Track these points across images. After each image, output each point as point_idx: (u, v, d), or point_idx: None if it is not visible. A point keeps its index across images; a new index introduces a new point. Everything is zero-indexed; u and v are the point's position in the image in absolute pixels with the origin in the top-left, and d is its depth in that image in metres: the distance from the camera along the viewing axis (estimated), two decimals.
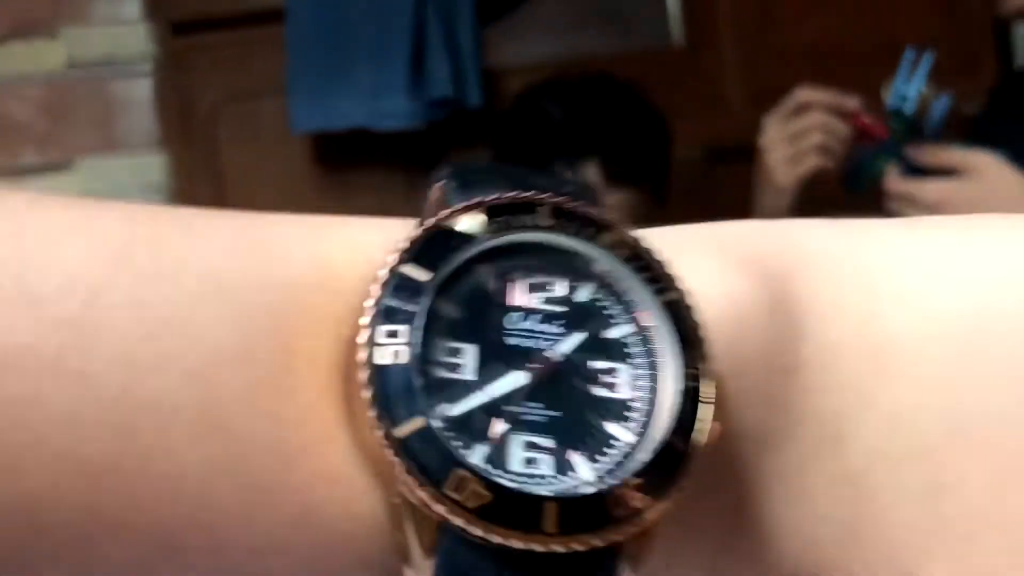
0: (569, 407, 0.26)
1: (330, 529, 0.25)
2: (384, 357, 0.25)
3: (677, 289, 0.27)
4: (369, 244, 0.27)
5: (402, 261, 0.26)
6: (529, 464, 0.25)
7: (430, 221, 0.27)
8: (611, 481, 0.25)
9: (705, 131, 2.16)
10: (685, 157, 2.08)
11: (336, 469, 0.25)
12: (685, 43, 2.25)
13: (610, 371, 0.27)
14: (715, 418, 0.26)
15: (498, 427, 0.26)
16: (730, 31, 2.24)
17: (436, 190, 0.28)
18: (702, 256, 0.29)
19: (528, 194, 0.27)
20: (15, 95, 2.15)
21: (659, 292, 0.27)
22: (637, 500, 0.25)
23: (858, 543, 0.28)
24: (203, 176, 2.18)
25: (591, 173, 1.57)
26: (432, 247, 0.26)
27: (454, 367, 0.26)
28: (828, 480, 0.28)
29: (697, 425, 0.26)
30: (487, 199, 0.27)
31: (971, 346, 0.28)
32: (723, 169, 2.16)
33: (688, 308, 0.27)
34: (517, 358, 0.26)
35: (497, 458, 0.25)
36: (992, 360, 0.28)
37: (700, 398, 0.26)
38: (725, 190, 2.13)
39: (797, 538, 0.28)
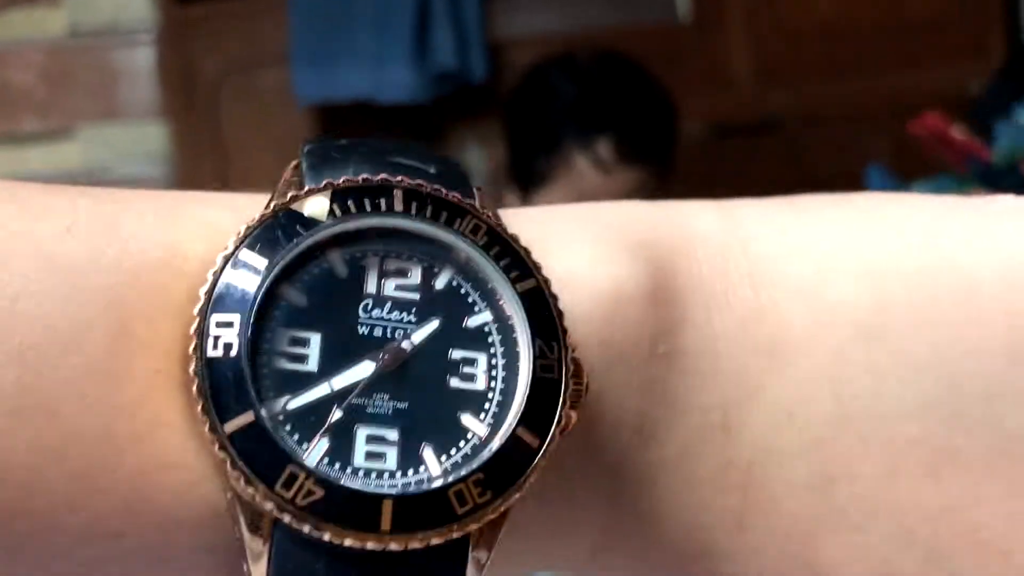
0: (421, 399, 0.25)
1: (165, 516, 0.25)
2: (215, 349, 0.24)
3: (537, 277, 0.26)
4: (219, 224, 0.26)
5: (241, 246, 0.25)
6: (372, 458, 0.25)
7: (275, 204, 0.26)
8: (455, 476, 0.25)
9: (711, 108, 2.15)
10: (691, 133, 2.07)
11: (171, 456, 0.24)
12: (692, 19, 2.23)
13: (468, 362, 0.26)
14: (575, 407, 0.26)
15: (340, 420, 0.25)
16: (737, 8, 2.23)
17: (289, 170, 0.27)
18: (579, 240, 0.28)
19: (379, 177, 0.26)
20: (17, 62, 2.14)
21: (516, 280, 0.26)
22: (480, 495, 0.24)
23: (745, 530, 0.28)
24: (205, 145, 2.18)
25: (604, 150, 1.57)
26: (273, 231, 0.25)
27: (297, 358, 0.25)
28: (714, 469, 0.28)
29: (550, 415, 0.25)
30: (336, 182, 0.26)
31: (864, 339, 0.28)
32: (729, 145, 2.15)
33: (548, 297, 0.26)
34: (367, 348, 0.25)
35: (339, 453, 0.24)
36: (886, 352, 0.28)
37: (556, 390, 0.26)
38: (731, 166, 2.13)
39: (681, 527, 0.28)
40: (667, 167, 1.65)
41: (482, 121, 2.14)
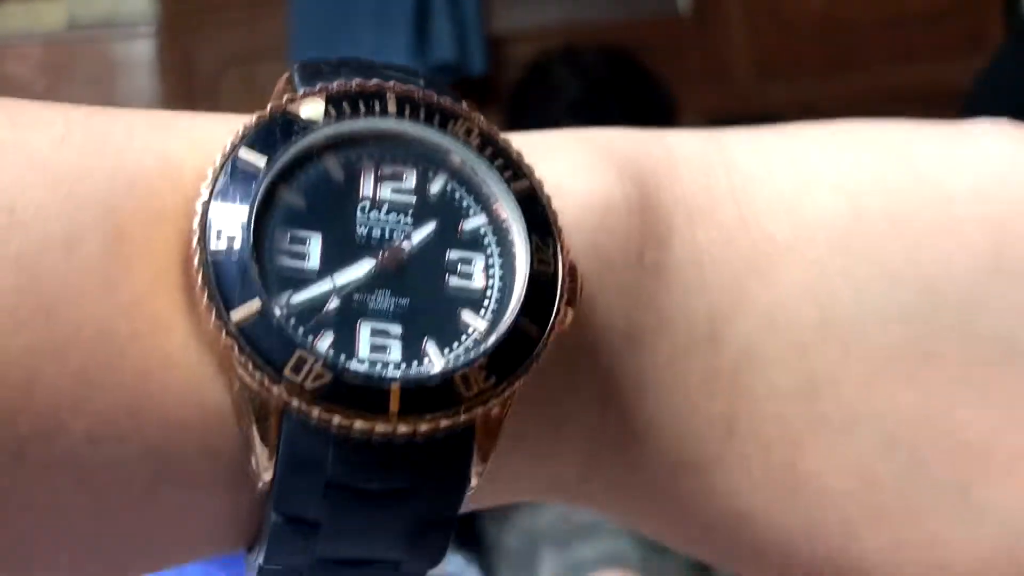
0: (421, 298, 0.26)
1: (168, 416, 0.24)
2: (218, 241, 0.24)
3: (531, 178, 0.27)
4: (211, 136, 0.26)
5: (239, 145, 0.25)
6: (377, 350, 0.25)
7: (269, 107, 0.26)
8: (458, 363, 0.25)
9: (711, 101, 2.15)
10: (689, 126, 2.06)
11: (173, 356, 0.24)
12: (692, 12, 2.23)
13: (466, 261, 0.26)
14: (570, 304, 0.26)
15: (344, 314, 0.25)
16: (736, 2, 2.23)
17: (282, 81, 0.27)
18: (569, 152, 0.29)
19: (374, 82, 0.27)
20: (15, 55, 2.14)
21: (511, 180, 0.26)
22: (484, 381, 0.25)
23: (733, 436, 0.28)
24: None
25: None
26: (270, 132, 0.25)
27: (298, 255, 0.25)
28: (701, 376, 0.28)
29: (548, 309, 0.26)
30: (331, 86, 0.26)
31: (844, 249, 0.28)
32: None
33: (542, 197, 0.26)
34: (366, 248, 0.26)
35: (344, 345, 0.25)
36: (865, 262, 0.28)
37: (553, 284, 0.26)
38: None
39: (670, 430, 0.28)
40: None
41: (481, 114, 2.14)
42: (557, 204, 0.27)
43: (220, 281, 0.24)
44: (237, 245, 0.24)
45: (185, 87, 2.19)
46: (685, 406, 0.28)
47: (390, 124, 0.26)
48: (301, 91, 0.26)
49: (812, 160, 0.30)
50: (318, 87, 0.26)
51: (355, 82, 0.26)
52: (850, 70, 2.17)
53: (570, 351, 0.27)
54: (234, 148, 0.25)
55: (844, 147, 0.30)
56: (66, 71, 2.15)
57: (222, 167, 0.25)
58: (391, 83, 0.27)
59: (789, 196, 0.29)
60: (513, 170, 0.27)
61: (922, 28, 2.16)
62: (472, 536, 1.35)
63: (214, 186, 0.25)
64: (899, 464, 0.28)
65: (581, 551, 1.21)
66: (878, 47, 2.16)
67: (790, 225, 0.29)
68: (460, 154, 0.27)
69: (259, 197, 0.25)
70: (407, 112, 0.26)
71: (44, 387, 0.24)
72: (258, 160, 0.25)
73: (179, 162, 0.26)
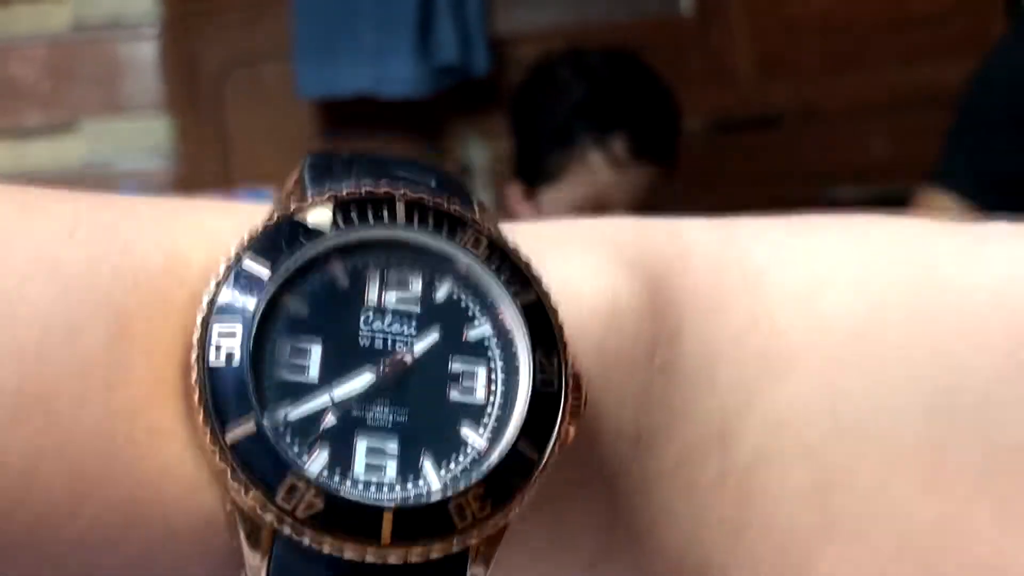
0: (420, 410, 0.25)
1: (162, 525, 0.24)
2: (217, 359, 0.24)
3: (536, 291, 0.26)
4: (219, 231, 0.26)
5: (243, 254, 0.25)
6: (372, 470, 0.25)
7: (278, 213, 0.26)
8: (455, 489, 0.24)
9: (713, 102, 2.15)
10: (692, 128, 2.07)
11: (170, 464, 0.24)
12: (694, 13, 2.23)
13: (468, 374, 0.26)
14: (574, 419, 0.26)
15: (340, 430, 0.25)
16: (739, 2, 2.23)
17: (292, 181, 0.27)
18: (577, 251, 0.28)
19: (383, 188, 0.26)
20: (20, 56, 2.14)
21: (517, 295, 0.26)
22: (480, 509, 0.24)
23: (743, 541, 0.28)
24: (208, 139, 2.18)
25: (619, 148, 1.57)
26: (276, 240, 0.25)
27: (298, 368, 0.25)
28: (711, 479, 0.28)
29: (549, 428, 0.25)
30: (340, 192, 0.26)
31: (859, 346, 0.28)
32: (730, 140, 2.15)
33: (549, 310, 0.26)
34: (367, 359, 0.25)
35: (339, 463, 0.24)
36: (880, 361, 0.28)
37: (555, 404, 0.26)
38: (732, 161, 2.13)
39: (679, 537, 0.28)
40: (674, 164, 1.66)
41: (484, 115, 2.14)
42: (564, 310, 0.26)
43: (216, 397, 0.24)
44: (236, 362, 0.24)
45: (189, 88, 2.19)
46: (691, 510, 0.28)
47: (398, 233, 0.26)
48: (310, 196, 0.26)
49: (827, 255, 0.29)
50: (327, 194, 0.26)
51: (364, 189, 0.26)
52: (852, 70, 2.17)
53: (576, 457, 0.27)
54: (239, 257, 0.25)
55: (859, 243, 0.30)
56: (71, 72, 2.15)
57: (226, 276, 0.25)
58: (401, 190, 0.26)
59: (804, 292, 0.29)
60: (519, 283, 0.26)
61: (925, 29, 2.16)
62: None
63: (215, 297, 0.25)
64: (913, 572, 0.27)
65: None
66: (880, 47, 2.16)
67: (804, 322, 0.28)
68: (466, 264, 0.27)
69: (261, 310, 0.25)
70: (416, 221, 0.26)
71: (40, 488, 0.23)
72: (262, 272, 0.25)
73: (186, 259, 0.26)
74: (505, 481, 0.25)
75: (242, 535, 0.24)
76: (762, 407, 0.28)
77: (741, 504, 0.28)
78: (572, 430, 0.26)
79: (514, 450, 0.25)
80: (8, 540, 0.23)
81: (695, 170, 1.82)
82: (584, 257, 0.28)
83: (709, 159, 2.07)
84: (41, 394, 0.23)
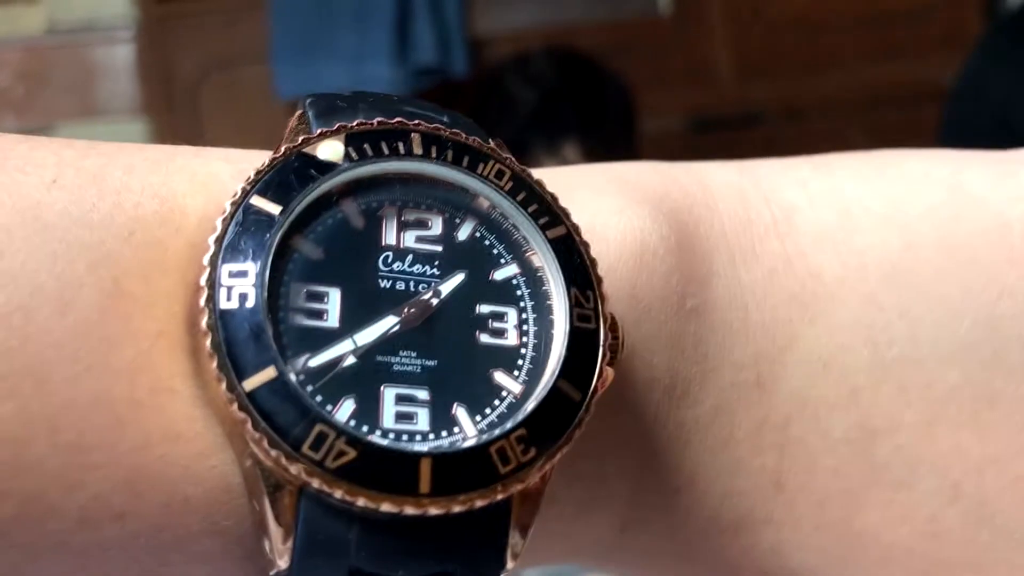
0: (450, 356, 0.24)
1: (171, 493, 0.22)
2: (229, 300, 0.22)
3: (567, 223, 0.25)
4: (216, 175, 0.24)
5: (251, 192, 0.23)
6: (403, 419, 0.23)
7: (284, 148, 0.24)
8: (494, 434, 0.23)
9: (692, 101, 2.15)
10: (671, 127, 2.06)
11: (177, 425, 0.22)
12: (672, 13, 2.23)
13: (497, 316, 0.24)
14: (612, 363, 0.24)
15: (366, 379, 0.23)
16: (717, 2, 2.22)
17: (295, 118, 0.25)
18: (601, 192, 0.27)
19: (395, 120, 0.25)
20: None
21: (546, 227, 0.25)
22: (524, 453, 0.23)
23: (782, 492, 0.27)
24: (185, 143, 2.16)
25: (571, 153, 1.56)
26: (285, 176, 0.23)
27: (315, 313, 0.23)
28: (748, 429, 0.26)
29: (589, 369, 0.24)
30: (350, 124, 0.24)
31: (898, 283, 0.27)
32: (710, 139, 2.15)
33: (580, 244, 0.25)
34: (389, 302, 0.24)
35: (366, 413, 0.23)
36: (921, 297, 0.27)
37: (594, 342, 0.24)
38: (712, 160, 2.12)
39: (715, 489, 0.27)
40: (632, 158, 1.65)
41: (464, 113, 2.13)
42: (593, 250, 0.25)
43: (231, 344, 0.22)
44: (250, 303, 0.22)
45: (165, 92, 2.17)
46: (730, 462, 0.27)
47: (415, 166, 0.25)
48: (317, 130, 0.24)
49: (856, 191, 0.28)
50: (336, 125, 0.24)
51: (376, 120, 0.25)
52: (832, 68, 2.17)
53: (609, 407, 0.25)
54: (245, 194, 0.23)
55: (890, 176, 0.28)
56: (45, 77, 2.14)
57: (232, 216, 0.23)
58: (415, 121, 0.25)
59: (835, 228, 0.27)
60: (548, 215, 0.25)
61: (903, 25, 2.16)
62: None
63: (223, 238, 0.23)
64: (965, 515, 0.26)
65: None
66: (859, 45, 2.16)
67: (837, 259, 0.27)
68: (490, 198, 0.25)
69: (274, 249, 0.23)
70: (434, 152, 0.25)
71: (32, 464, 0.21)
72: (272, 208, 0.23)
73: (182, 206, 0.24)
74: (547, 423, 0.23)
75: (266, 498, 0.22)
76: (800, 351, 0.27)
77: (781, 455, 0.26)
78: (611, 372, 0.24)
79: (554, 390, 0.23)
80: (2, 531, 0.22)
81: None
82: (609, 199, 0.27)
83: (689, 158, 2.06)
84: (31, 360, 0.21)
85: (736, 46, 2.21)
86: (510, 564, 0.23)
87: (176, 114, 2.17)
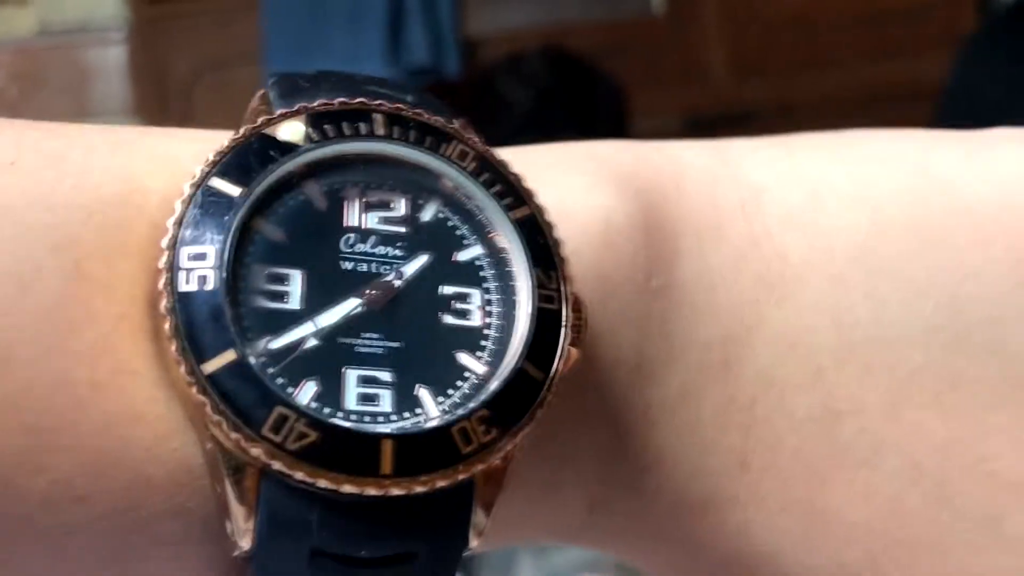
0: (414, 337, 0.23)
1: (134, 475, 0.22)
2: (189, 283, 0.22)
3: (531, 204, 0.25)
4: (178, 156, 0.24)
5: (211, 174, 0.23)
6: (366, 401, 0.23)
7: (245, 129, 0.24)
8: (456, 415, 0.23)
9: (687, 100, 2.15)
10: (666, 126, 2.06)
11: (139, 407, 0.22)
12: (666, 12, 2.23)
13: (462, 297, 0.24)
14: (576, 343, 0.24)
15: (328, 361, 0.23)
16: (711, 0, 2.23)
17: (257, 98, 0.25)
18: (570, 171, 0.27)
19: (357, 100, 0.24)
20: None
21: (510, 208, 0.24)
22: (485, 433, 0.22)
23: (748, 472, 0.27)
24: None
25: None
26: (245, 158, 0.23)
27: (277, 295, 0.23)
28: (715, 408, 0.26)
29: (552, 349, 0.24)
30: (311, 105, 0.24)
31: (864, 264, 0.27)
32: (703, 138, 2.15)
33: (544, 225, 0.25)
34: (352, 284, 0.23)
35: (329, 395, 0.22)
36: (887, 277, 0.27)
37: (557, 322, 0.24)
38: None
39: (682, 469, 0.27)
40: None
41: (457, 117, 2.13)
42: (559, 230, 0.25)
43: (191, 327, 0.22)
44: (209, 286, 0.22)
45: (158, 93, 2.17)
46: (697, 441, 0.27)
47: (377, 146, 0.24)
48: (279, 111, 0.24)
49: (824, 171, 0.28)
50: (297, 106, 0.24)
51: (338, 100, 0.24)
52: (827, 67, 2.17)
53: (575, 388, 0.25)
54: (205, 176, 0.23)
55: (857, 157, 0.28)
56: (37, 78, 2.13)
57: (191, 198, 0.23)
58: (378, 101, 0.25)
59: (802, 209, 0.27)
60: (512, 196, 0.25)
61: (898, 24, 2.16)
62: None
63: (183, 219, 0.22)
64: (927, 495, 0.26)
65: (558, 557, 1.20)
66: (854, 44, 2.16)
67: (805, 240, 0.27)
68: (453, 179, 0.25)
69: (233, 232, 0.23)
70: (396, 133, 0.24)
71: None
72: (232, 190, 0.23)
73: (144, 187, 0.23)
74: (511, 403, 0.23)
75: (228, 480, 0.22)
76: (766, 331, 0.27)
77: (747, 433, 0.27)
78: (575, 352, 0.24)
79: (518, 371, 0.23)
80: None
81: None
82: (576, 177, 0.27)
83: None
84: None
85: (730, 45, 2.21)
86: (474, 542, 0.23)
87: (169, 115, 2.17)
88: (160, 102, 2.17)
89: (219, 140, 0.24)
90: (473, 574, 1.31)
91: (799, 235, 0.27)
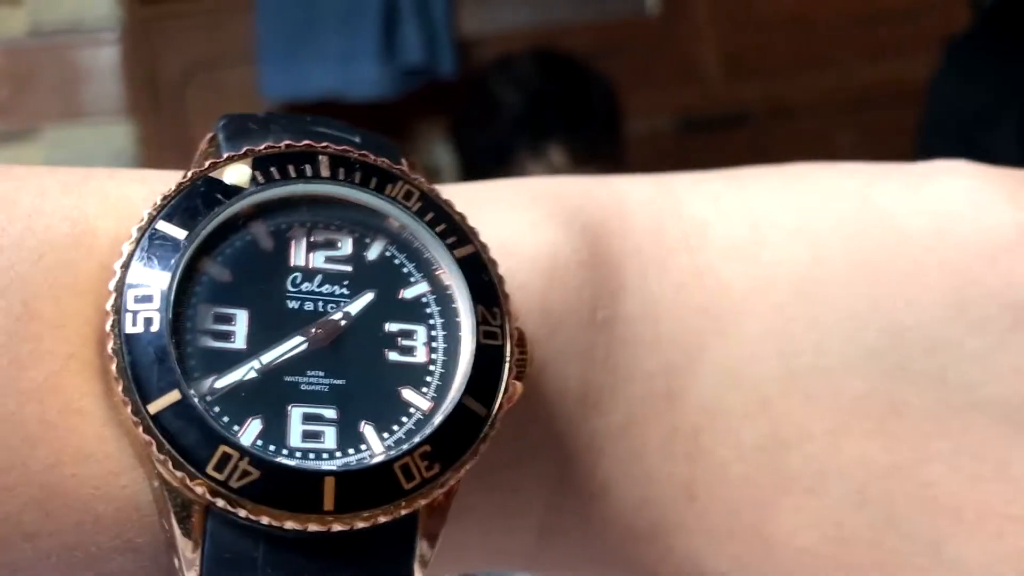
0: (359, 374, 0.24)
1: (83, 512, 0.23)
2: (135, 325, 0.22)
3: (475, 242, 0.25)
4: (129, 197, 0.24)
5: (157, 217, 0.23)
6: (310, 438, 0.23)
7: (191, 172, 0.24)
8: (399, 451, 0.23)
9: (680, 101, 2.15)
10: (659, 127, 2.06)
11: (88, 445, 0.23)
12: (660, 12, 2.23)
13: (407, 334, 0.25)
14: (520, 377, 0.25)
15: (273, 399, 0.23)
16: (705, 1, 2.22)
17: (205, 141, 0.26)
18: (513, 208, 0.27)
19: (303, 143, 0.25)
20: None
21: (454, 247, 0.25)
22: (428, 468, 0.23)
23: (695, 501, 0.27)
24: (170, 145, 2.16)
25: (557, 156, 1.57)
26: (192, 201, 0.24)
27: (223, 335, 0.23)
28: (659, 439, 0.27)
29: (495, 385, 0.24)
30: (257, 148, 0.25)
31: (805, 295, 0.27)
32: (698, 139, 2.15)
33: (487, 262, 0.25)
34: (297, 323, 0.24)
35: (273, 433, 0.23)
36: (827, 308, 0.27)
37: (500, 357, 0.24)
38: (700, 160, 2.12)
39: (629, 497, 0.27)
40: (617, 160, 1.65)
41: (450, 117, 2.13)
42: (504, 266, 0.25)
43: (136, 368, 0.22)
44: (155, 327, 0.22)
45: (151, 93, 2.17)
46: (643, 471, 0.27)
47: (323, 188, 0.25)
48: (225, 154, 0.25)
49: (767, 204, 0.29)
50: (243, 150, 0.25)
51: (284, 143, 0.25)
52: (821, 68, 2.17)
53: (521, 419, 0.26)
54: (151, 219, 0.23)
55: (799, 191, 0.29)
56: (29, 79, 2.13)
57: (138, 241, 0.23)
58: (324, 143, 0.25)
59: (745, 242, 0.28)
60: (456, 235, 0.25)
61: (893, 25, 2.16)
62: None
63: (129, 262, 0.23)
64: (870, 521, 0.27)
65: None
66: (849, 44, 2.16)
67: (747, 272, 0.28)
68: (399, 219, 0.25)
69: (179, 274, 0.23)
70: (341, 175, 0.25)
71: None
72: (178, 233, 0.23)
73: (93, 228, 0.24)
74: (453, 439, 0.23)
75: (172, 514, 0.22)
76: (709, 361, 0.27)
77: (692, 463, 0.27)
78: (519, 386, 0.25)
79: (460, 407, 0.24)
80: None
81: (663, 169, 1.81)
82: (522, 213, 0.27)
83: (677, 158, 2.06)
84: None
85: (724, 46, 2.21)
86: (418, 574, 0.24)
87: (162, 115, 2.17)
88: (152, 102, 2.17)
89: (169, 181, 0.24)
90: None
91: (742, 267, 0.28)
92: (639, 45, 2.13)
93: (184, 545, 0.22)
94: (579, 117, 1.63)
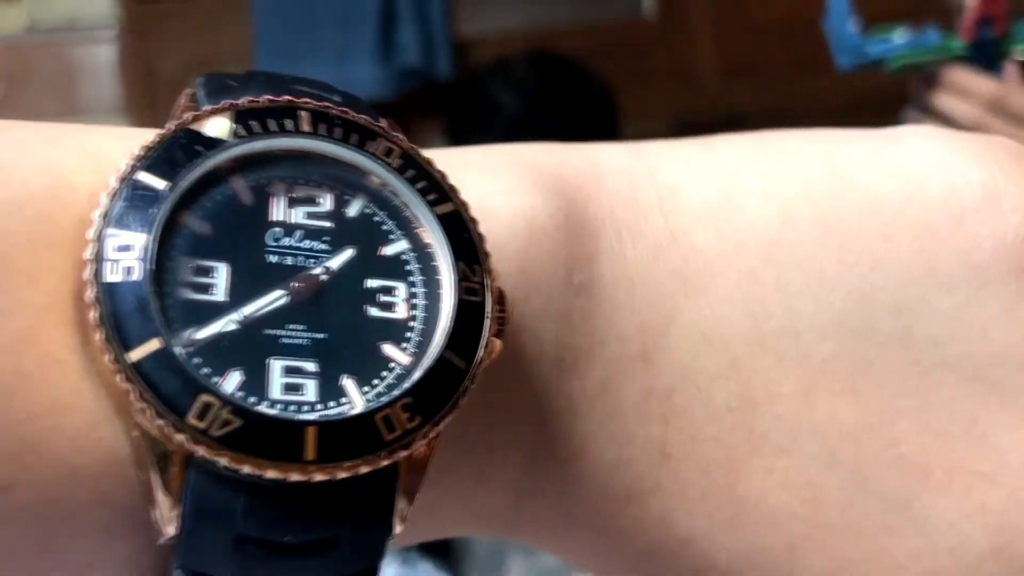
0: (339, 329, 0.24)
1: (59, 465, 0.22)
2: (114, 273, 0.22)
3: (455, 200, 0.25)
4: (107, 151, 0.24)
5: (137, 168, 0.23)
6: (291, 390, 0.23)
7: (171, 124, 0.24)
8: (380, 402, 0.23)
9: (676, 104, 2.15)
10: (655, 129, 2.06)
11: (65, 398, 0.22)
12: (657, 15, 2.23)
13: (387, 290, 0.25)
14: (500, 335, 0.25)
15: (253, 351, 0.23)
16: (702, 4, 2.23)
17: (184, 96, 0.26)
18: (495, 172, 0.28)
19: (285, 97, 0.25)
20: None
21: (435, 204, 0.25)
22: (409, 420, 0.23)
23: (668, 461, 0.27)
24: None
25: None
26: (172, 152, 0.24)
27: (203, 287, 0.23)
28: (635, 400, 0.27)
29: (475, 340, 0.24)
30: (238, 102, 0.25)
31: (775, 258, 0.28)
32: None
33: (468, 220, 0.25)
34: (278, 277, 0.24)
35: (254, 384, 0.23)
36: (797, 271, 0.28)
37: (480, 313, 0.24)
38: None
39: (604, 459, 0.27)
40: None
41: (447, 118, 2.13)
42: (482, 227, 0.25)
43: (116, 317, 0.22)
44: (135, 276, 0.22)
45: (148, 92, 2.17)
46: (618, 432, 0.27)
47: (303, 143, 0.25)
48: (206, 107, 0.25)
49: (738, 169, 0.29)
50: (224, 103, 0.25)
51: (265, 98, 0.25)
52: (817, 72, 2.17)
53: (498, 380, 0.26)
54: (131, 170, 0.23)
55: (770, 156, 0.29)
56: (26, 77, 2.13)
57: (117, 191, 0.23)
58: (304, 99, 0.25)
59: (717, 206, 0.28)
60: (436, 192, 0.25)
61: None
62: (441, 543, 1.34)
63: (108, 212, 0.23)
64: (841, 480, 0.27)
65: (548, 557, 1.21)
66: None
67: (719, 236, 0.28)
68: (379, 175, 0.25)
69: (161, 224, 0.23)
70: (322, 130, 0.25)
71: None
72: (158, 183, 0.23)
73: (71, 181, 0.24)
74: (433, 392, 0.23)
75: (153, 468, 0.22)
76: (682, 323, 0.28)
77: (666, 424, 0.27)
78: (498, 344, 0.25)
79: (441, 360, 0.24)
80: None
81: None
82: (500, 178, 0.27)
83: None
84: None
85: (720, 48, 2.21)
86: (397, 528, 0.24)
87: (158, 113, 2.16)
88: (149, 100, 2.17)
89: (147, 136, 0.24)
90: (463, 574, 1.31)
91: (713, 231, 0.28)
92: (636, 47, 2.13)
93: (163, 496, 0.22)
94: (576, 118, 1.63)
